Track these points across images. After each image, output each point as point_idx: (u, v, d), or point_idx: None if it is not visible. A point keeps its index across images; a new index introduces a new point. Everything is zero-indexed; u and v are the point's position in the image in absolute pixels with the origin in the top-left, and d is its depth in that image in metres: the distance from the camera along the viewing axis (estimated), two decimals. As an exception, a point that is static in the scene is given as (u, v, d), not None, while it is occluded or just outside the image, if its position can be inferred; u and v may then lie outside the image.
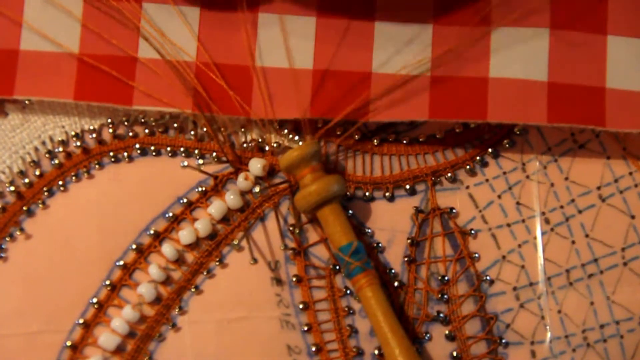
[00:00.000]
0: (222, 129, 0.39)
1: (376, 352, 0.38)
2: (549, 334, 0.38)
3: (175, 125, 0.39)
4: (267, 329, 0.38)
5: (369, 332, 0.38)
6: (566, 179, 0.39)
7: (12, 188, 0.39)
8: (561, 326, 0.38)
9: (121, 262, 0.38)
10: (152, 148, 0.39)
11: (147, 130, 0.39)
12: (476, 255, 0.38)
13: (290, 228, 0.38)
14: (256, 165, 0.38)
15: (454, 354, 0.38)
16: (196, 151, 0.39)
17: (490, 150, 0.39)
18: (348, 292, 0.38)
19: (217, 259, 0.38)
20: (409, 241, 0.38)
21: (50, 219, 0.39)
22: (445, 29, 0.37)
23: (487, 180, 0.39)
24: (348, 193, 0.39)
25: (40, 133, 0.39)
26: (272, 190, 0.39)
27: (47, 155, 0.39)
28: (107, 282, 0.38)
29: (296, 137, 0.39)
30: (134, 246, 0.38)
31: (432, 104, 0.37)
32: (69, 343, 0.38)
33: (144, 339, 0.38)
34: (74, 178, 0.39)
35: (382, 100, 0.37)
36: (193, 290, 0.38)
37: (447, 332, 0.38)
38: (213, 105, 0.38)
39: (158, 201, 0.39)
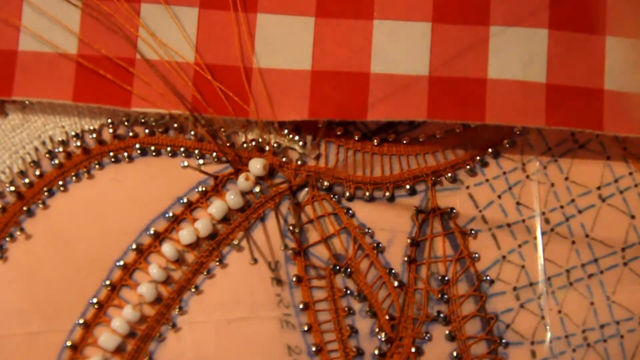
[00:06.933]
0: (222, 130, 0.39)
1: (376, 352, 0.38)
2: (549, 334, 0.38)
3: (176, 125, 0.39)
4: (267, 329, 0.38)
5: (369, 332, 0.38)
6: (566, 179, 0.39)
7: (12, 188, 0.39)
8: (561, 326, 0.38)
9: (121, 262, 0.38)
10: (152, 148, 0.39)
11: (147, 131, 0.39)
12: (476, 255, 0.38)
13: (291, 228, 0.38)
14: (256, 166, 0.38)
15: (454, 354, 0.38)
16: (196, 151, 0.39)
17: (490, 150, 0.39)
18: (348, 292, 0.38)
19: (217, 259, 0.38)
20: (409, 241, 0.38)
21: (51, 219, 0.39)
22: (444, 27, 0.37)
23: (487, 180, 0.39)
24: (348, 193, 0.39)
25: (40, 133, 0.39)
26: (274, 190, 0.39)
27: (47, 156, 0.39)
28: (107, 282, 0.38)
29: (296, 137, 0.39)
30: (134, 246, 0.38)
31: (430, 104, 0.36)
32: (69, 343, 0.38)
33: (144, 339, 0.38)
34: (74, 178, 0.39)
35: (380, 100, 0.37)
36: (193, 290, 0.38)
37: (447, 332, 0.38)
38: (211, 107, 0.38)
39: (158, 201, 0.39)
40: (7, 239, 0.39)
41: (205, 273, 0.38)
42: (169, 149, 0.39)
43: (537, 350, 0.38)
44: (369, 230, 0.39)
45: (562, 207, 0.39)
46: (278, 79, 0.37)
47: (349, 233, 0.39)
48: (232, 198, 0.38)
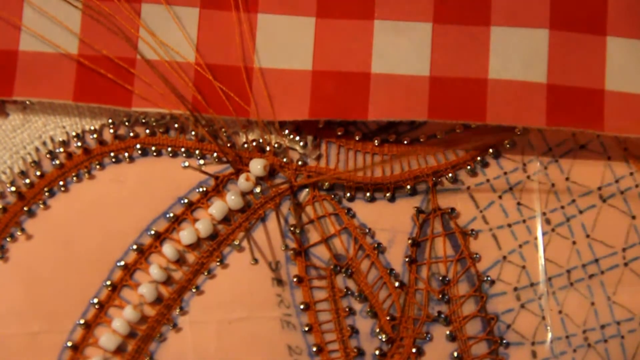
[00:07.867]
0: (223, 130, 0.39)
1: (377, 352, 0.38)
2: (549, 335, 0.38)
3: (176, 125, 0.39)
4: (268, 329, 0.38)
5: (370, 332, 0.38)
6: (567, 179, 0.39)
7: (13, 188, 0.39)
8: (562, 326, 0.38)
9: (122, 263, 0.38)
10: (153, 148, 0.39)
11: (148, 131, 0.39)
12: (477, 255, 0.38)
13: (291, 228, 0.38)
14: (256, 166, 0.38)
15: (455, 354, 0.38)
16: (197, 151, 0.39)
17: (491, 150, 0.39)
18: (349, 292, 0.38)
19: (218, 260, 0.38)
20: (409, 241, 0.38)
21: (51, 219, 0.39)
22: (445, 28, 0.37)
23: (487, 180, 0.39)
24: (349, 193, 0.39)
25: (41, 133, 0.39)
26: (274, 190, 0.39)
27: (48, 156, 0.39)
28: (108, 283, 0.38)
29: (297, 138, 0.39)
30: (134, 246, 0.38)
31: (431, 105, 0.37)
32: (69, 343, 0.38)
33: (144, 340, 0.38)
34: (74, 178, 0.39)
35: (381, 100, 0.37)
36: (194, 290, 0.38)
37: (448, 332, 0.38)
38: (212, 107, 0.38)
39: (159, 201, 0.39)
40: (8, 239, 0.39)
41: (206, 273, 0.38)
42: (169, 149, 0.39)
43: (538, 350, 0.38)
44: (370, 231, 0.39)
45: (562, 207, 0.39)
46: (279, 79, 0.37)
47: (350, 233, 0.39)
48: (232, 198, 0.38)
